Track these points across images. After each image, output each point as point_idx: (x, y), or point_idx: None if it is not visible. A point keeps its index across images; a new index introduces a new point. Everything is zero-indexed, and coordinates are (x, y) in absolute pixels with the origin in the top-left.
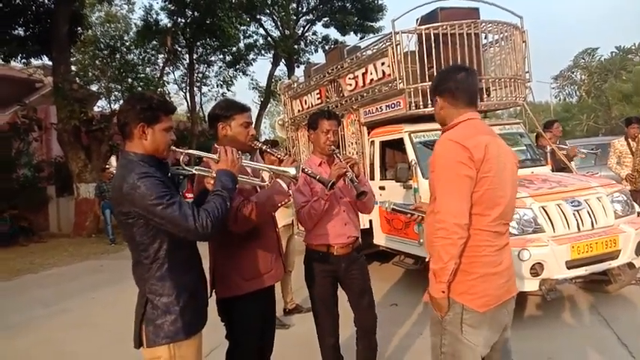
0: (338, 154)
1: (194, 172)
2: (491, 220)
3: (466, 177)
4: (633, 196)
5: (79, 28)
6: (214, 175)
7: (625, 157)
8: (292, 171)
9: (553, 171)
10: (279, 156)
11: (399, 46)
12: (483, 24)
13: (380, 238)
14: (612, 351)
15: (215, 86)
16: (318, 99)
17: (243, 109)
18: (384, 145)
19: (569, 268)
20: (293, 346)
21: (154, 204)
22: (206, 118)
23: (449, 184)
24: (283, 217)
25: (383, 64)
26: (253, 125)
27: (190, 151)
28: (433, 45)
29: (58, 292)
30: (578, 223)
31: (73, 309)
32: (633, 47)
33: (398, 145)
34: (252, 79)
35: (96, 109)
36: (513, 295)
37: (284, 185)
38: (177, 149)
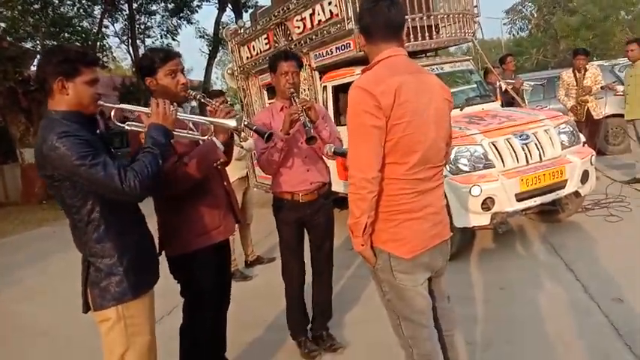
0: (295, 98)
1: (126, 127)
2: (408, 169)
3: (373, 127)
4: (578, 126)
5: None
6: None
7: (572, 89)
8: (232, 123)
9: (503, 106)
10: (213, 106)
11: None
12: None
13: (338, 185)
14: (560, 277)
15: (159, 37)
16: (266, 44)
17: (167, 56)
18: (337, 89)
19: (519, 200)
20: (256, 297)
21: (75, 165)
22: None
23: (356, 136)
24: (237, 169)
25: (330, 3)
26: (186, 72)
27: (122, 106)
28: None
29: (9, 263)
30: (526, 156)
31: (25, 278)
32: None
33: None
34: (197, 28)
35: (33, 68)
36: (445, 239)
37: (218, 143)
38: (106, 104)
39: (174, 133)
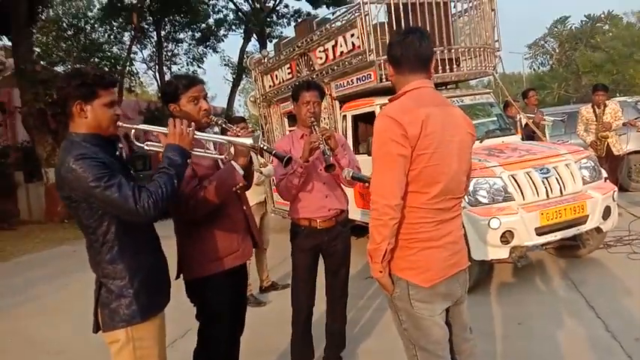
0: (316, 127)
1: (145, 148)
2: (429, 198)
3: (399, 156)
4: (599, 162)
5: (39, 7)
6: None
7: (591, 124)
8: (248, 141)
9: (523, 139)
10: (235, 131)
11: (367, 17)
12: None
13: (355, 213)
14: (580, 314)
15: (185, 64)
16: (289, 74)
17: (190, 83)
18: (356, 118)
19: (538, 234)
20: (269, 324)
21: (91, 186)
22: None
23: (381, 163)
24: (255, 194)
25: (352, 35)
26: (210, 98)
27: (140, 126)
28: (402, 15)
29: (28, 280)
30: (547, 190)
31: (43, 296)
32: (602, 15)
33: (370, 118)
34: (223, 56)
35: None
36: (463, 269)
37: (237, 167)
38: (125, 125)
39: (192, 152)
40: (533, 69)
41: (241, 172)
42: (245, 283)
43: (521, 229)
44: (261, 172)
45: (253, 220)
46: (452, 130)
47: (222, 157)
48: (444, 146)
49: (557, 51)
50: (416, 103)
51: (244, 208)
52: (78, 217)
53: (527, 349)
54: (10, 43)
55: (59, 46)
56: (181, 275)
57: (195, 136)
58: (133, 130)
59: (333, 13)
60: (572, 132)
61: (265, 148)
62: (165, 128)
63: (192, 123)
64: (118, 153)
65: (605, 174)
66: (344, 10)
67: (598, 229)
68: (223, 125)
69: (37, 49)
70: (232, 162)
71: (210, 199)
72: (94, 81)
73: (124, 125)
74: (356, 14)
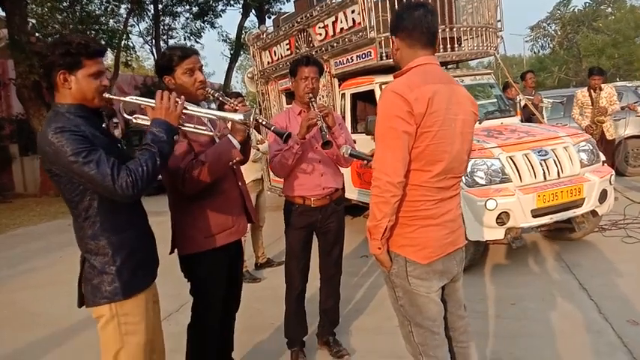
0: (314, 103)
1: (133, 121)
2: (431, 177)
3: (403, 133)
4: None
5: None
6: None
7: (586, 108)
8: (238, 116)
9: (522, 121)
10: (233, 105)
11: None
12: None
13: (351, 192)
14: (573, 295)
15: (183, 39)
16: (287, 50)
17: (185, 54)
18: (355, 97)
19: (534, 216)
20: (263, 300)
21: (70, 161)
22: None
23: (385, 140)
24: (252, 171)
25: (353, 11)
26: (207, 75)
27: (128, 98)
28: None
29: (24, 252)
30: (544, 173)
31: (39, 269)
32: None
33: (369, 97)
34: (220, 32)
35: None
36: (460, 247)
37: (234, 141)
38: (113, 97)
39: (181, 128)
40: (534, 52)
41: (238, 146)
42: (240, 259)
43: (518, 210)
44: (258, 149)
45: (249, 197)
46: (456, 109)
47: (213, 133)
48: (448, 125)
49: (559, 33)
50: (423, 79)
51: (240, 184)
52: (61, 190)
53: (519, 329)
54: (3, 14)
55: (55, 18)
56: (175, 250)
57: (185, 111)
58: (121, 103)
59: None
60: (571, 115)
61: (264, 123)
62: (153, 101)
63: (182, 96)
64: (104, 125)
65: (603, 157)
66: None
67: (594, 213)
68: (220, 98)
69: (32, 20)
70: (229, 136)
71: (207, 174)
72: (79, 50)
73: (111, 97)
74: None
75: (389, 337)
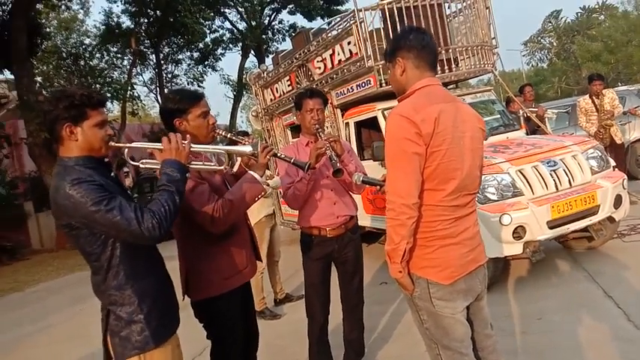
0: (321, 133)
1: (140, 166)
2: (445, 195)
3: (414, 154)
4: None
5: (38, 39)
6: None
7: (591, 115)
8: (247, 149)
9: (527, 134)
10: (245, 142)
11: (363, 24)
12: None
13: (364, 219)
14: (599, 304)
15: (186, 84)
16: (288, 85)
17: (198, 97)
18: (359, 125)
19: (551, 228)
20: (285, 336)
21: (91, 211)
22: None
23: (397, 162)
24: (264, 207)
25: (349, 43)
26: (214, 114)
27: (133, 144)
28: (397, 19)
29: (44, 308)
30: (555, 183)
31: (60, 323)
32: (597, 6)
33: (372, 123)
34: (222, 74)
35: None
36: (482, 264)
37: (256, 176)
38: (118, 144)
39: (190, 166)
40: (532, 65)
41: (261, 180)
42: (251, 297)
43: (533, 223)
44: (267, 184)
45: (254, 235)
46: (462, 126)
47: (221, 168)
48: (456, 143)
49: (555, 45)
50: (428, 100)
51: (248, 222)
52: (79, 244)
53: (548, 343)
54: (12, 76)
55: (60, 75)
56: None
57: (193, 149)
58: (126, 150)
59: (329, 23)
60: (576, 124)
61: (282, 156)
62: (159, 144)
63: (188, 136)
64: (113, 175)
65: (613, 162)
66: (339, 18)
67: (611, 219)
68: (234, 137)
69: (39, 79)
70: (250, 172)
71: (236, 211)
72: (83, 101)
73: (117, 145)
74: (351, 22)
75: None
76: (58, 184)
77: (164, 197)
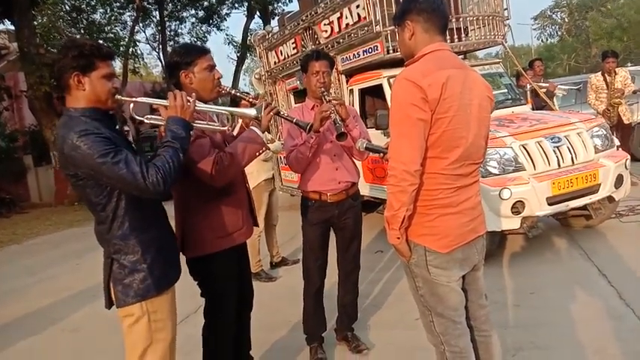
0: (326, 96)
1: (145, 120)
2: (449, 164)
3: (419, 120)
4: (610, 131)
5: None
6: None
7: (601, 93)
8: (252, 112)
9: (533, 109)
10: (250, 100)
11: None
12: None
13: (363, 188)
14: (593, 282)
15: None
16: (293, 49)
17: (204, 50)
18: (364, 92)
19: (550, 204)
20: (280, 298)
21: (98, 163)
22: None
23: (401, 128)
24: (264, 171)
25: (358, 6)
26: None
27: (140, 99)
28: None
29: (42, 261)
30: (558, 160)
31: (58, 276)
32: None
33: (377, 91)
34: (226, 34)
35: None
36: (481, 235)
37: (258, 132)
38: (124, 98)
39: (194, 124)
40: (542, 40)
41: (262, 136)
42: (247, 258)
43: (533, 199)
44: (268, 148)
45: (252, 199)
46: (471, 94)
47: (226, 128)
48: (463, 110)
49: (567, 20)
50: (437, 65)
51: (247, 185)
52: (86, 194)
53: (539, 318)
54: (13, 27)
55: (59, 28)
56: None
57: (197, 108)
58: (132, 105)
59: None
60: (583, 102)
61: (286, 116)
62: (165, 101)
63: (193, 94)
64: (118, 127)
65: (617, 142)
66: None
67: (610, 198)
68: (238, 94)
69: (38, 31)
70: (252, 127)
71: (237, 164)
72: (92, 51)
73: (123, 98)
74: None
75: (407, 330)
76: (64, 135)
77: (169, 153)
